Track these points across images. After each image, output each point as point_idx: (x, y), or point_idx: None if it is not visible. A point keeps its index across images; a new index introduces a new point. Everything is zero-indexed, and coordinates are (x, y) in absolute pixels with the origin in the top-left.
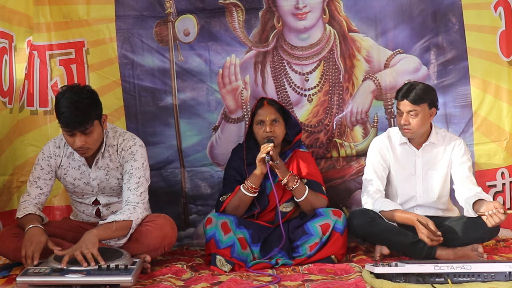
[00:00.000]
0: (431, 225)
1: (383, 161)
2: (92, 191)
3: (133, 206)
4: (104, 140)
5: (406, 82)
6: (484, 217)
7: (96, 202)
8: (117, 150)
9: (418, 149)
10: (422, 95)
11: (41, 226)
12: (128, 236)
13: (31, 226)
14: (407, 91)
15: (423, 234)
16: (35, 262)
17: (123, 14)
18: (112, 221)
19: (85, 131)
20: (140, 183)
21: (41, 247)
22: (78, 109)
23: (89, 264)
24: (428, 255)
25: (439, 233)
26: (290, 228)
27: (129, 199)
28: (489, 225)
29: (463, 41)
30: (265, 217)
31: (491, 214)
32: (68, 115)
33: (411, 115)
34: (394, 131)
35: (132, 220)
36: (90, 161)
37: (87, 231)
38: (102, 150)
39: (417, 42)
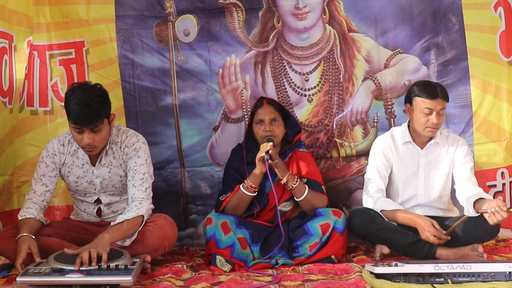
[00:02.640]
0: (436, 226)
1: (385, 161)
2: (95, 190)
3: (139, 202)
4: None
5: (406, 82)
6: (486, 215)
7: (98, 201)
8: (120, 147)
9: (422, 148)
10: (446, 90)
11: (31, 235)
12: (136, 235)
13: (20, 235)
14: (434, 89)
15: (429, 233)
16: (38, 260)
17: (123, 14)
18: (123, 221)
19: (94, 129)
20: (145, 179)
21: (22, 257)
22: (88, 107)
23: (89, 264)
24: (428, 255)
25: (444, 232)
26: (290, 228)
27: (134, 196)
28: (491, 222)
29: (463, 41)
30: (265, 217)
31: (494, 211)
32: (79, 112)
33: (440, 113)
34: (397, 131)
35: (142, 215)
36: (93, 159)
37: (99, 234)
38: (107, 147)
39: (417, 42)
